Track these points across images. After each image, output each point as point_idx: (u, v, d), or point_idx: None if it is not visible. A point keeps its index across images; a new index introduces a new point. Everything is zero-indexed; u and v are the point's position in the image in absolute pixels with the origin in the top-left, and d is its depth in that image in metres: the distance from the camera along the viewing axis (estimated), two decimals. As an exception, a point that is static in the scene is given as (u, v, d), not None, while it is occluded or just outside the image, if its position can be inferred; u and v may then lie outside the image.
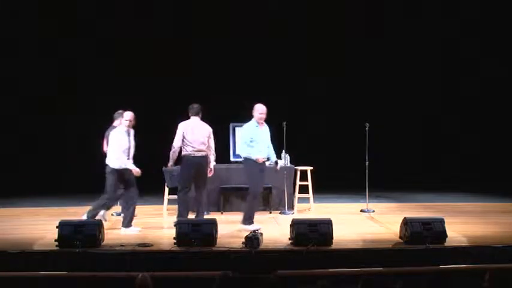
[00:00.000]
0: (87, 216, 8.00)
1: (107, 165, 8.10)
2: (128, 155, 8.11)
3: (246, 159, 8.23)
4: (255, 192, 8.22)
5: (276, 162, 8.64)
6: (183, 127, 8.29)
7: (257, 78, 12.39)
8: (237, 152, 8.33)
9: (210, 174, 8.54)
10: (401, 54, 12.61)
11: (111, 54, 12.33)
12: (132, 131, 8.20)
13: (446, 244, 7.03)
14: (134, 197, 8.17)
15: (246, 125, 8.31)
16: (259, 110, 8.24)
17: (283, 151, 9.54)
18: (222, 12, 12.43)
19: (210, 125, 8.46)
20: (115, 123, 8.89)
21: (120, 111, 8.80)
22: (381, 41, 12.59)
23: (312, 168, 9.82)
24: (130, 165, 8.01)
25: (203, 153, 8.31)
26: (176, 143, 8.29)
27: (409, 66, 12.70)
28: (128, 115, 8.09)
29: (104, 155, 8.52)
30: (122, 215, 8.84)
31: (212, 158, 8.49)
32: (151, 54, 12.42)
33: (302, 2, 12.51)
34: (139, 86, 12.32)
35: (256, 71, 12.39)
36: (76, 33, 12.36)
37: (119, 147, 7.98)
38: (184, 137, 8.25)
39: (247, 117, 8.49)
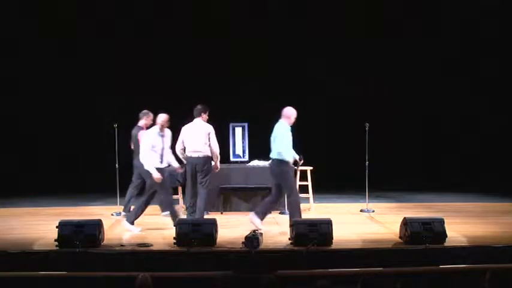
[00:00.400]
0: (174, 221, 8.00)
1: (142, 165, 8.23)
2: (161, 156, 8.19)
3: (286, 162, 8.14)
4: (296, 191, 8.35)
5: (300, 159, 8.61)
6: (182, 130, 8.67)
7: (257, 79, 12.40)
8: (285, 158, 8.17)
9: (215, 171, 8.80)
10: (402, 54, 12.60)
11: (111, 53, 12.33)
12: (168, 132, 8.32)
13: (446, 244, 7.03)
14: (151, 200, 8.30)
15: (287, 129, 8.17)
16: (295, 114, 8.24)
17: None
18: (222, 12, 12.44)
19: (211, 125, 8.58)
20: (140, 123, 9.13)
21: (145, 111, 9.13)
22: (380, 41, 12.58)
23: (312, 168, 9.83)
24: (152, 170, 8.01)
25: (199, 154, 8.54)
26: (176, 146, 8.68)
27: (409, 66, 12.69)
28: (161, 118, 8.16)
29: (131, 153, 8.99)
30: (123, 213, 8.90)
31: (214, 156, 8.67)
32: (151, 54, 12.42)
33: (302, 3, 12.51)
34: (139, 86, 12.32)
35: (256, 71, 12.39)
36: (76, 34, 12.38)
37: (147, 147, 8.07)
38: (183, 139, 8.60)
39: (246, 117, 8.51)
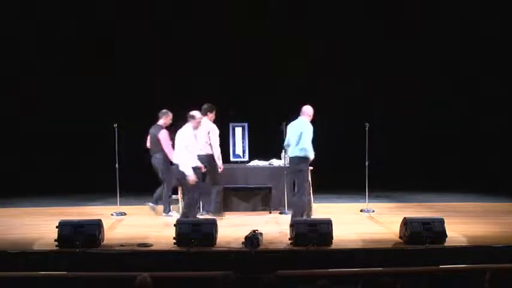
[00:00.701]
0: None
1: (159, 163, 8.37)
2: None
3: (307, 159, 8.29)
4: (306, 192, 8.43)
5: None
6: None
7: (257, 78, 12.39)
8: (309, 154, 8.28)
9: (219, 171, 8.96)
10: (402, 53, 12.60)
11: (111, 54, 12.33)
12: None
13: (446, 244, 7.03)
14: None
15: (311, 126, 8.36)
16: (313, 112, 8.48)
17: (283, 151, 9.55)
18: (222, 12, 12.44)
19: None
20: (159, 122, 9.21)
21: (164, 110, 9.24)
22: (380, 40, 12.58)
23: (311, 168, 9.80)
24: (189, 171, 8.10)
25: (200, 152, 8.68)
26: None
27: (409, 66, 12.69)
28: (198, 117, 8.31)
29: (147, 152, 9.21)
30: (150, 204, 9.17)
31: (215, 155, 8.81)
32: (151, 54, 12.42)
33: (302, 3, 12.51)
34: (139, 86, 12.33)
35: (256, 71, 12.38)
36: (76, 33, 12.38)
37: (182, 147, 8.14)
38: None
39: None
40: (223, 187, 9.45)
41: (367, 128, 9.48)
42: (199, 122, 8.32)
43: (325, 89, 12.62)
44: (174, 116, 9.30)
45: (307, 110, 8.42)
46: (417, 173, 12.61)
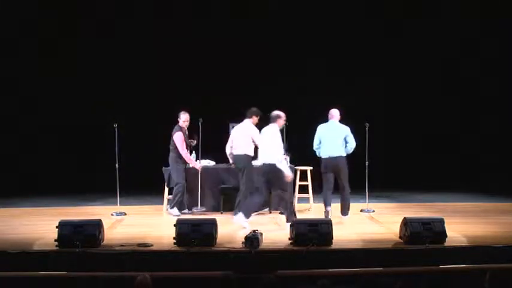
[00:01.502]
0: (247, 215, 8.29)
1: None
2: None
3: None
4: None
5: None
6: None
7: (257, 78, 12.38)
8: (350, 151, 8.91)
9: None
10: (401, 53, 12.60)
11: (111, 53, 12.33)
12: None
13: (446, 244, 7.03)
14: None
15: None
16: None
17: (288, 154, 9.55)
18: (221, 12, 12.44)
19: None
20: (179, 123, 9.32)
21: (181, 112, 9.32)
22: (380, 40, 12.58)
23: (311, 168, 9.82)
24: (287, 170, 8.28)
25: (239, 152, 8.91)
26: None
27: (409, 66, 12.69)
28: (283, 116, 8.50)
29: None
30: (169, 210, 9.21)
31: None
32: (151, 54, 12.41)
33: (302, 3, 12.51)
34: (137, 86, 12.33)
35: (256, 71, 12.37)
36: (77, 33, 12.38)
37: (276, 146, 8.26)
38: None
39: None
40: (221, 187, 9.48)
41: (367, 128, 9.49)
42: (285, 120, 8.42)
43: (325, 89, 12.62)
44: (173, 116, 9.30)
45: (337, 113, 9.06)
46: (417, 173, 12.60)
